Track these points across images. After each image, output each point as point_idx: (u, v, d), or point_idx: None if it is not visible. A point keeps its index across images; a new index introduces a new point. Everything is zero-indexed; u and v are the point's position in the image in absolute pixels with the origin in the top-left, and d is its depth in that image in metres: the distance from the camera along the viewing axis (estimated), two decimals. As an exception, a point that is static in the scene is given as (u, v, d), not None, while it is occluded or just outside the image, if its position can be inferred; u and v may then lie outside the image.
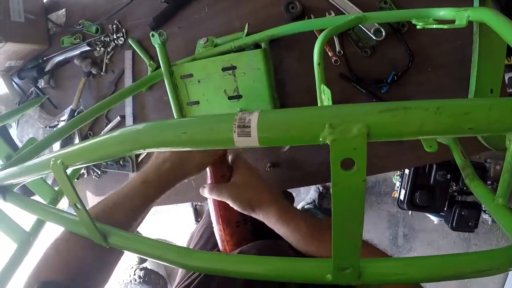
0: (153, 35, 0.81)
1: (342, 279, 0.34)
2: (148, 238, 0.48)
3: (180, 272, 0.82)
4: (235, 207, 0.64)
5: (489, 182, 1.18)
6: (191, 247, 0.91)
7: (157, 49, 0.83)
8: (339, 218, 0.30)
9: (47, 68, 1.11)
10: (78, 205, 0.45)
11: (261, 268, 0.40)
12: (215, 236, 0.73)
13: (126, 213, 0.59)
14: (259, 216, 0.64)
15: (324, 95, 0.64)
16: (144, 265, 2.29)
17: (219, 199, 0.66)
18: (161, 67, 0.85)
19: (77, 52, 1.06)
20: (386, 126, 0.25)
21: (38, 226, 0.74)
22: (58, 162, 0.42)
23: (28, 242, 0.69)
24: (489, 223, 1.30)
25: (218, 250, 0.74)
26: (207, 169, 0.69)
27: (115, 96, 0.86)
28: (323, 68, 0.67)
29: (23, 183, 0.67)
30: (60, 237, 0.55)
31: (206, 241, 0.88)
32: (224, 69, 0.81)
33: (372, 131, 0.25)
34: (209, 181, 0.69)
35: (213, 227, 0.72)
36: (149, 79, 0.90)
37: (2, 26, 1.00)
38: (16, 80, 1.18)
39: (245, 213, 0.64)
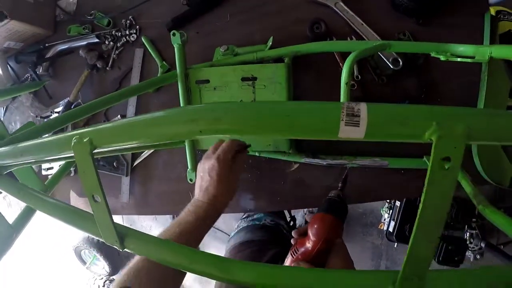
0: (174, 34, 0.79)
1: None
2: (176, 244, 0.42)
3: None
4: None
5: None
6: None
7: (175, 49, 0.81)
8: (425, 218, 0.29)
9: (48, 55, 1.06)
10: (98, 197, 0.39)
11: (315, 280, 0.36)
12: None
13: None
14: None
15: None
16: (115, 277, 2.18)
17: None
18: (177, 69, 0.83)
19: (83, 43, 1.02)
20: (485, 129, 0.27)
21: (24, 220, 0.66)
22: (85, 140, 0.36)
23: (10, 238, 0.59)
24: (471, 260, 1.33)
25: None
26: (312, 236, 0.61)
27: (121, 92, 0.82)
28: (349, 87, 0.67)
29: (14, 168, 0.59)
30: (141, 265, 0.59)
31: None
32: (243, 79, 0.80)
33: (473, 131, 0.26)
34: (303, 248, 0.63)
35: None
36: (161, 79, 0.87)
37: (10, 2, 0.95)
38: (12, 63, 1.12)
39: None
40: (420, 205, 0.29)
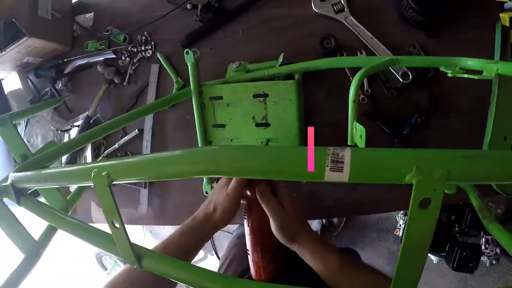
0: (187, 53, 0.81)
1: None
2: (188, 263, 0.46)
3: None
4: (278, 234, 0.65)
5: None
6: None
7: (189, 67, 0.84)
8: (408, 252, 0.32)
9: (67, 70, 1.10)
10: (117, 224, 0.42)
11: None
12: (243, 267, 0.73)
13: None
14: (294, 248, 0.65)
15: (356, 132, 0.66)
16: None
17: (266, 210, 0.65)
18: (191, 85, 0.85)
19: (100, 58, 1.05)
20: (463, 171, 0.28)
21: (48, 236, 0.70)
22: (103, 174, 0.40)
23: (36, 253, 0.63)
24: (487, 265, 1.33)
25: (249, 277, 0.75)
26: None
27: (137, 111, 0.84)
28: (358, 105, 0.68)
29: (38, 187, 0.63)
30: (119, 279, 0.61)
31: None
32: (255, 96, 0.82)
33: (451, 174, 0.28)
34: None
35: (243, 256, 0.72)
36: (176, 96, 0.89)
37: (28, 19, 0.98)
38: (32, 77, 1.16)
39: (283, 242, 0.65)
40: (402, 241, 0.31)
